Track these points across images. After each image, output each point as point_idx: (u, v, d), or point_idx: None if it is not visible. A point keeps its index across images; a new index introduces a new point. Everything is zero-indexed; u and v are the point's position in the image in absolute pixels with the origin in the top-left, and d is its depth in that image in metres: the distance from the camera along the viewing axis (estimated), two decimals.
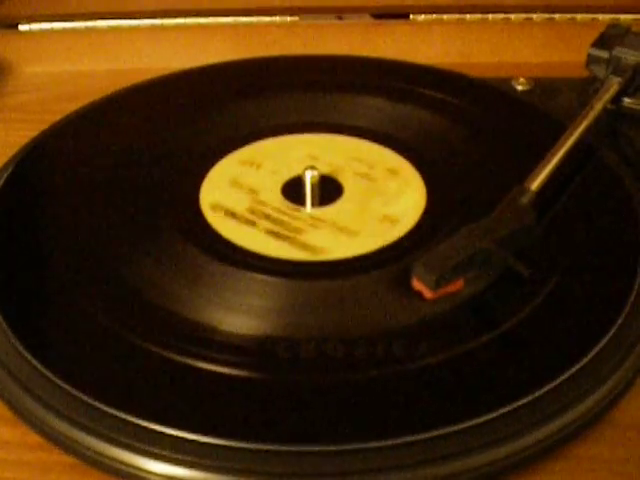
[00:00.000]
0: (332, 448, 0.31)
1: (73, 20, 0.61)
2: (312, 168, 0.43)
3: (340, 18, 0.63)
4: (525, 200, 0.40)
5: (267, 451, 0.31)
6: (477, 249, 0.37)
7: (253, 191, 0.44)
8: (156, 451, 0.31)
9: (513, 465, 0.32)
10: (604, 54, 0.49)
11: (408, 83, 0.52)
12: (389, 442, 0.31)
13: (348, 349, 0.35)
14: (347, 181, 0.45)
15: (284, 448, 0.31)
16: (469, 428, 0.32)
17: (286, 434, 0.32)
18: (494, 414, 0.32)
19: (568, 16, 0.61)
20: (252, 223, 0.42)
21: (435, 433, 0.31)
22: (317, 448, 0.31)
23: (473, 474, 0.31)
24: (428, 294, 0.37)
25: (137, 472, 0.31)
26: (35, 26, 0.61)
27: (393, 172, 0.46)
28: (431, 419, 0.32)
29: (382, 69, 0.54)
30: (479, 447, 0.31)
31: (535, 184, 0.41)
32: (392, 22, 0.61)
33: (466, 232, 0.38)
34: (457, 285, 0.37)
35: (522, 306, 0.37)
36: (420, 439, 0.31)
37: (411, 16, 0.61)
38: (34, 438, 0.33)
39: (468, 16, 0.61)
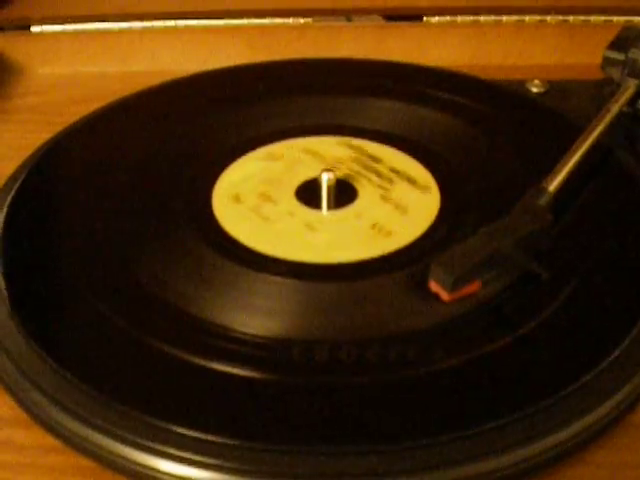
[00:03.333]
0: (345, 450, 0.31)
1: (85, 22, 0.61)
2: (328, 171, 0.43)
3: (349, 20, 0.62)
4: (542, 201, 0.40)
5: (283, 452, 0.31)
6: (494, 250, 0.37)
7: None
8: (174, 453, 0.31)
9: (529, 470, 0.31)
10: (620, 56, 0.49)
11: (422, 86, 0.52)
12: (403, 445, 0.31)
13: (364, 351, 0.35)
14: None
15: (297, 449, 0.31)
16: (484, 432, 0.31)
17: (300, 436, 0.31)
18: (510, 418, 0.32)
19: (582, 18, 0.60)
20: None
21: (450, 437, 0.31)
22: (330, 450, 0.31)
23: (488, 479, 0.31)
24: (445, 296, 0.36)
25: (153, 473, 0.31)
26: (47, 28, 0.61)
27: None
28: (446, 423, 0.32)
29: (396, 72, 0.54)
30: (494, 451, 0.31)
31: (552, 186, 0.40)
32: (405, 24, 0.61)
33: (483, 233, 0.38)
34: (474, 287, 0.37)
35: (540, 308, 0.36)
36: (434, 443, 0.31)
37: (424, 18, 0.61)
38: (49, 441, 0.33)
39: (482, 18, 0.60)
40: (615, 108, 0.45)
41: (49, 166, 0.46)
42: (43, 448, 0.33)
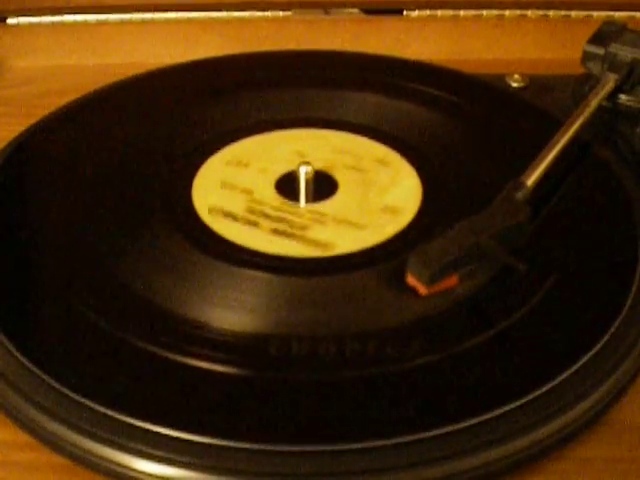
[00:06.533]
0: (323, 448, 0.31)
1: (62, 14, 0.61)
2: (306, 163, 0.42)
3: (327, 13, 0.62)
4: (520, 196, 0.40)
5: (259, 451, 0.30)
6: (472, 244, 0.37)
7: (247, 190, 0.44)
8: (146, 450, 0.30)
9: (510, 466, 0.31)
10: (600, 51, 0.49)
11: (401, 79, 0.52)
12: (381, 443, 0.31)
13: (341, 346, 0.34)
14: (341, 176, 0.44)
15: (275, 448, 0.31)
16: (464, 429, 0.31)
17: (278, 433, 0.31)
18: (490, 415, 0.31)
19: (562, 13, 0.61)
20: (253, 223, 0.41)
21: (429, 434, 0.31)
22: (308, 448, 0.31)
23: (469, 476, 0.31)
24: (422, 290, 0.36)
25: (127, 472, 0.31)
26: (23, 20, 0.61)
27: (388, 168, 0.45)
28: (425, 420, 0.31)
29: (375, 64, 0.54)
30: (474, 448, 0.31)
31: (530, 180, 0.40)
32: (385, 18, 0.61)
33: (460, 227, 0.38)
34: (452, 281, 0.37)
35: (518, 304, 0.36)
36: (414, 440, 0.31)
37: (404, 12, 0.61)
38: (23, 437, 0.33)
39: (462, 12, 0.61)
40: (594, 103, 0.45)
41: (23, 159, 0.46)
42: (17, 445, 0.33)
